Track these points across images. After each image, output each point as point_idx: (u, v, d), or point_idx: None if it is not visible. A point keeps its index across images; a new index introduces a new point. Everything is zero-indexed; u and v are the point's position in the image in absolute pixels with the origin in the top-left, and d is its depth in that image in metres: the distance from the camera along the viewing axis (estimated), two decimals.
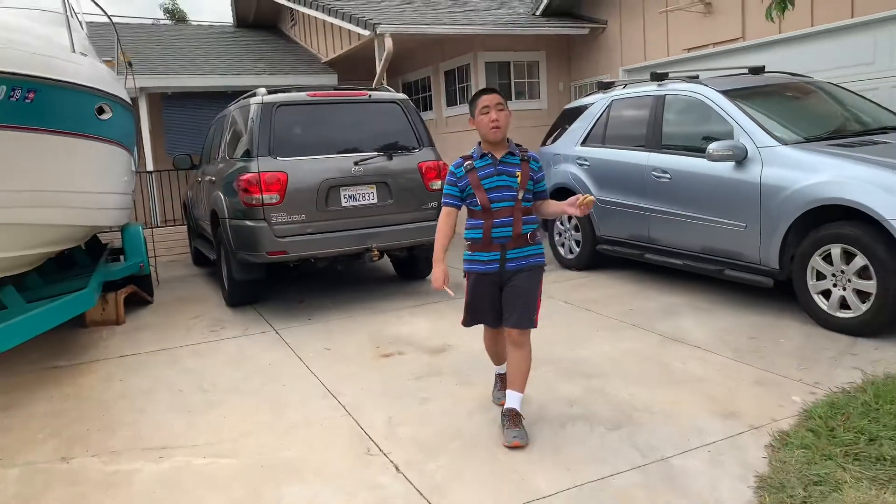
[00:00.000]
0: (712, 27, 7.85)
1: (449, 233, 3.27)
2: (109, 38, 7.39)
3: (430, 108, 11.05)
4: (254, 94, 6.17)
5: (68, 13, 4.55)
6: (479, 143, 3.21)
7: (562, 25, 9.54)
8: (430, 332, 5.21)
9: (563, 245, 7.23)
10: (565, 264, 7.19)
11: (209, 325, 5.88)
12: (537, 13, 9.96)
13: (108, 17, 6.53)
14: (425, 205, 6.09)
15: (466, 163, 3.19)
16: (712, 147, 5.08)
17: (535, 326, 3.22)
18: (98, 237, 7.64)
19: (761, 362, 4.11)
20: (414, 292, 6.60)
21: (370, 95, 6.19)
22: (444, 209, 3.27)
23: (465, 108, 9.84)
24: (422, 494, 2.83)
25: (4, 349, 4.06)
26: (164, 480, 3.12)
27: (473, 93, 3.25)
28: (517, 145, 3.21)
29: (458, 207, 3.25)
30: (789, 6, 5.06)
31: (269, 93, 6.04)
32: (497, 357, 3.61)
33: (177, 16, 26.61)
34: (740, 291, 5.62)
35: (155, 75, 10.25)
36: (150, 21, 23.07)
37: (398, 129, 6.12)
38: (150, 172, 10.38)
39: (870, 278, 4.28)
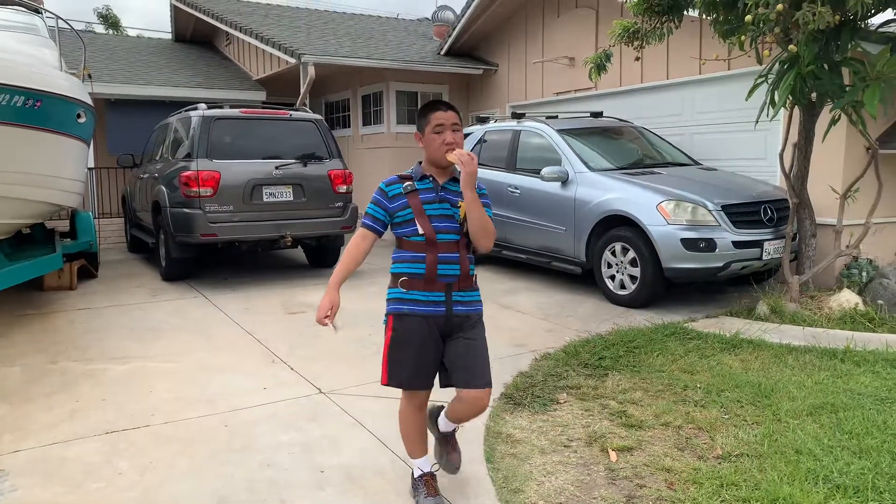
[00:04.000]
0: (573, 77, 9.80)
1: (358, 258, 2.64)
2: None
3: (349, 126, 12.64)
4: (195, 108, 7.62)
5: (58, 41, 5.94)
6: (420, 163, 2.65)
7: (460, 66, 11.37)
8: None
9: None
10: None
11: (150, 292, 7.25)
12: (442, 52, 11.78)
13: (81, 37, 7.88)
14: (332, 204, 7.67)
15: (406, 183, 2.58)
16: (544, 171, 6.90)
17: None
18: (44, 223, 8.82)
19: (557, 320, 5.89)
20: (321, 275, 8.13)
21: (290, 115, 7.75)
22: (362, 231, 2.64)
23: (378, 128, 11.56)
24: (306, 378, 4.41)
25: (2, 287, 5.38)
26: (127, 374, 4.57)
27: (423, 104, 2.71)
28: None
29: (380, 234, 2.64)
30: (605, 70, 6.94)
31: (209, 107, 7.51)
32: (421, 440, 2.79)
33: (110, 21, 27.27)
34: (561, 278, 7.45)
35: (100, 83, 11.41)
36: (83, 24, 23.75)
37: (313, 143, 7.69)
38: (91, 169, 11.50)
39: (636, 266, 6.14)
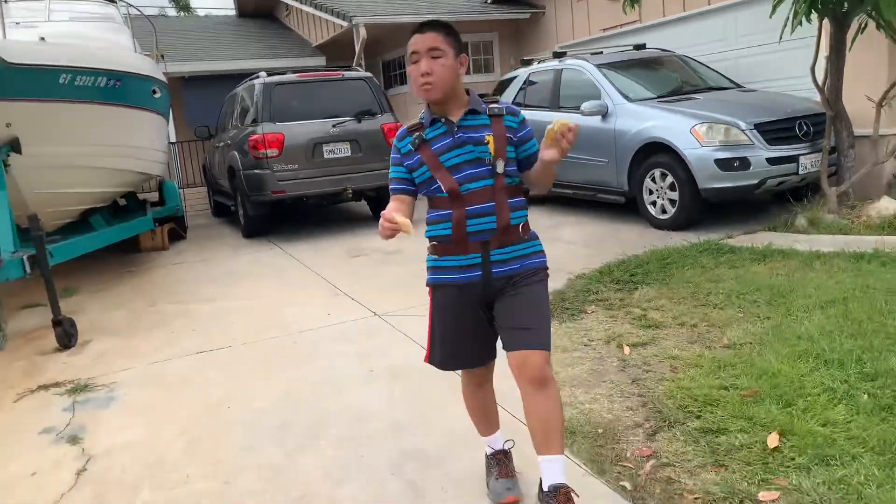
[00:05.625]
0: (618, 12, 9.81)
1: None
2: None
3: (405, 83, 13.09)
4: (257, 77, 8.27)
5: (130, 26, 6.68)
6: (428, 105, 2.17)
7: (507, 12, 11.57)
8: (390, 244, 7.36)
9: None
10: None
11: (232, 248, 8.07)
12: (488, 1, 11.98)
13: (152, 22, 8.65)
14: (387, 156, 8.16)
15: (414, 134, 2.18)
16: (584, 106, 7.16)
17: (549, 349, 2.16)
18: (136, 194, 9.80)
19: (598, 246, 6.24)
20: None
21: (343, 75, 8.28)
22: (393, 200, 2.21)
23: None
24: (364, 306, 5.01)
25: (98, 247, 6.25)
26: (213, 311, 5.30)
27: None
28: (482, 96, 2.28)
29: (412, 194, 2.22)
30: (638, 3, 7.07)
31: (269, 75, 8.13)
32: (487, 419, 2.48)
33: (181, 3, 28.54)
34: (607, 210, 7.73)
35: (174, 62, 12.30)
36: (156, 10, 25.02)
37: (366, 100, 8.20)
38: (173, 143, 12.49)
39: (675, 190, 6.38)
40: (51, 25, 6.19)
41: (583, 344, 3.90)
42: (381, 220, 1.99)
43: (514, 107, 2.22)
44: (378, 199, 8.96)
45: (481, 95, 2.23)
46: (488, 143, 2.11)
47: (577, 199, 8.16)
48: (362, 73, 8.48)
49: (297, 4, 12.82)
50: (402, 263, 6.27)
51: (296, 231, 8.78)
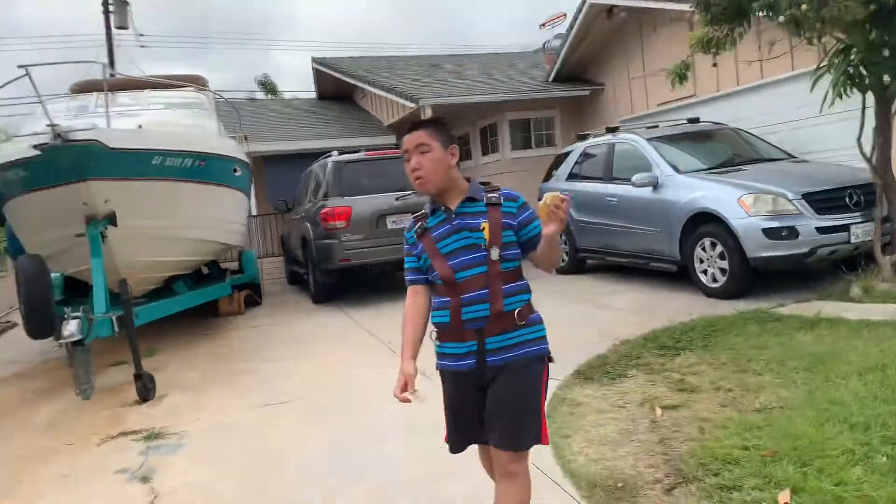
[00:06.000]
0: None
1: (416, 318, 2.31)
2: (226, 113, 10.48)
3: (471, 158, 13.68)
4: (330, 156, 8.97)
5: (215, 111, 7.50)
6: (431, 196, 2.28)
7: (567, 89, 12.07)
8: None
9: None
10: (559, 270, 9.52)
11: (302, 312, 8.61)
12: (550, 79, 12.53)
13: (236, 109, 9.60)
14: None
15: (417, 224, 2.31)
16: (635, 178, 7.41)
17: (542, 442, 2.23)
18: (218, 263, 10.57)
19: (648, 314, 6.35)
20: None
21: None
22: (410, 289, 2.35)
23: (495, 156, 12.49)
24: None
25: (179, 310, 6.85)
26: (278, 370, 5.72)
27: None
28: (484, 184, 2.32)
29: (426, 283, 2.32)
30: (685, 79, 7.37)
31: (340, 154, 8.81)
32: None
33: (268, 87, 30.76)
34: (659, 278, 7.81)
35: (258, 142, 13.36)
36: (246, 93, 27.09)
37: None
38: (254, 216, 13.41)
39: (725, 259, 6.47)
40: (149, 113, 7.05)
41: (617, 406, 4.05)
42: (397, 381, 2.22)
43: (512, 192, 2.26)
44: None
45: (484, 183, 2.32)
46: (483, 229, 2.17)
47: (631, 268, 8.30)
48: None
49: (370, 88, 13.78)
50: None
51: (361, 297, 9.24)
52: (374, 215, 8.35)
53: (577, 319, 6.43)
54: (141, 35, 19.71)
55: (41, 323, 5.17)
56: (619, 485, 3.04)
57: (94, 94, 7.27)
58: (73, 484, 3.74)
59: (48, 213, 5.81)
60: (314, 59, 16.44)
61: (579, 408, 4.06)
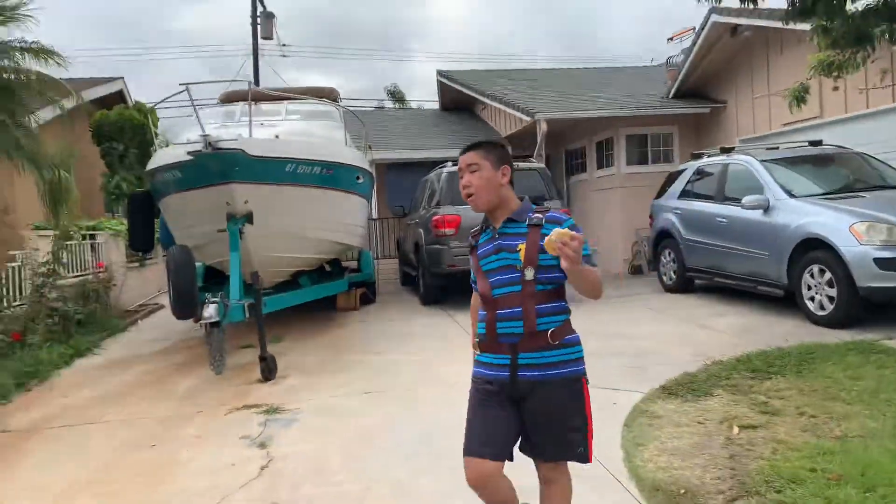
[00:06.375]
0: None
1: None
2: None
3: (585, 171, 13.80)
4: (445, 165, 9.48)
5: (344, 122, 8.24)
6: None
7: (686, 106, 11.94)
8: None
9: (665, 274, 9.56)
10: (667, 288, 9.50)
11: (410, 312, 9.19)
12: (670, 95, 12.44)
13: (361, 120, 10.35)
14: None
15: (471, 239, 2.45)
16: (745, 200, 7.36)
17: (589, 461, 2.34)
18: (339, 261, 11.38)
19: (747, 336, 6.33)
20: None
21: (518, 166, 9.16)
22: (475, 293, 2.49)
23: (609, 171, 12.58)
24: None
25: (301, 301, 7.60)
26: (384, 363, 6.24)
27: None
28: (535, 204, 2.38)
29: None
30: (804, 102, 7.24)
31: (454, 164, 9.30)
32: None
33: (397, 96, 32.11)
34: (765, 302, 7.67)
35: (382, 150, 14.18)
36: (376, 102, 28.45)
37: (536, 188, 9.03)
38: (374, 220, 14.24)
39: (833, 287, 6.33)
40: (285, 124, 7.84)
41: (696, 421, 4.20)
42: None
43: (558, 215, 2.27)
44: None
45: (536, 204, 2.39)
46: (520, 250, 2.24)
47: (739, 290, 8.19)
48: (535, 165, 9.38)
49: (489, 101, 14.25)
50: None
51: (464, 302, 9.65)
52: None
53: (675, 337, 6.52)
54: (284, 45, 21.29)
55: (186, 305, 5.97)
56: (682, 491, 3.24)
57: (240, 103, 8.18)
58: (205, 443, 4.39)
59: (196, 210, 6.68)
60: (439, 72, 17.19)
61: (658, 420, 4.24)
